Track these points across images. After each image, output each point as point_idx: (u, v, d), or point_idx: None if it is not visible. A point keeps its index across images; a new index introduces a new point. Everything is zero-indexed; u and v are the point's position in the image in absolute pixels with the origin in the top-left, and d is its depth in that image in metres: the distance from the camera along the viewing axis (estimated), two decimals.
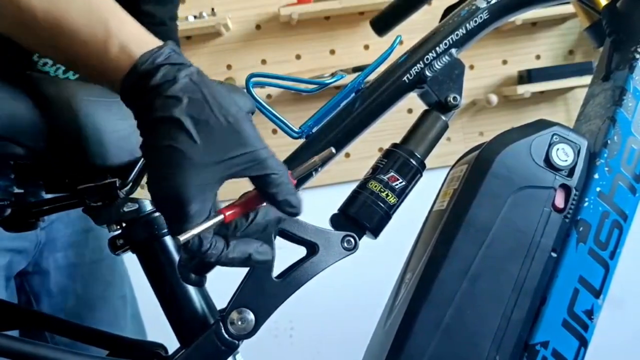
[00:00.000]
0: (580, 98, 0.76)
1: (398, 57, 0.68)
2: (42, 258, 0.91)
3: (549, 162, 0.62)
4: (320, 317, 2.10)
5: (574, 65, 2.19)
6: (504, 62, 2.23)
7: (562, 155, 0.63)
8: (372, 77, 0.67)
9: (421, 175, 0.65)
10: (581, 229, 0.63)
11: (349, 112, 0.66)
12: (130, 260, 0.70)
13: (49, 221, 0.89)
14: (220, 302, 0.66)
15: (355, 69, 2.04)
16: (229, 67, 2.12)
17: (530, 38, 2.25)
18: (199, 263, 0.54)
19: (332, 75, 2.00)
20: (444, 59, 0.66)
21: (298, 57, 2.15)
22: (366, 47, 2.16)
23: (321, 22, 2.15)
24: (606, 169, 0.64)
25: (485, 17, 0.67)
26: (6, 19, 0.50)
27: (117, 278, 1.00)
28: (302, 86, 0.68)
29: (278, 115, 0.64)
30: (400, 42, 0.65)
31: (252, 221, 0.52)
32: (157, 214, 0.67)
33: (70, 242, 0.93)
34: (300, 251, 0.62)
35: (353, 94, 0.66)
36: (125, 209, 0.66)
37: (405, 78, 0.66)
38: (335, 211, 0.64)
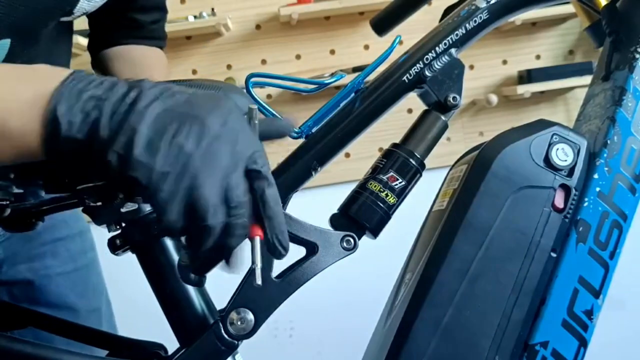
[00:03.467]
0: (580, 98, 0.76)
1: (398, 57, 0.68)
2: (1, 273, 0.89)
3: (548, 162, 0.62)
4: (320, 316, 2.10)
5: (574, 65, 2.19)
6: (504, 62, 2.23)
7: (562, 155, 0.63)
8: (372, 77, 0.67)
9: (421, 175, 0.65)
10: (581, 229, 0.63)
11: (348, 112, 0.66)
12: (131, 261, 0.70)
13: (6, 236, 0.88)
14: (220, 302, 0.66)
15: (355, 69, 2.04)
16: (229, 67, 2.12)
17: (530, 38, 2.25)
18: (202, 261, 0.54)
19: (332, 75, 2.00)
20: (443, 59, 0.66)
21: (298, 57, 2.15)
22: (366, 47, 2.16)
23: (321, 22, 2.15)
24: (606, 169, 0.64)
25: (485, 17, 0.67)
26: None
27: (91, 290, 0.98)
28: (302, 86, 0.68)
29: (278, 116, 0.64)
30: (400, 42, 0.65)
31: None
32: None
33: (34, 254, 0.92)
34: (300, 251, 0.62)
35: (353, 94, 0.66)
36: (125, 209, 0.66)
37: (405, 78, 0.66)
38: (335, 211, 0.64)
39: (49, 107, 0.45)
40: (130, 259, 0.71)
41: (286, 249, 0.51)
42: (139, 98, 0.46)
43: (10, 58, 0.68)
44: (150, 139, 0.45)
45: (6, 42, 0.67)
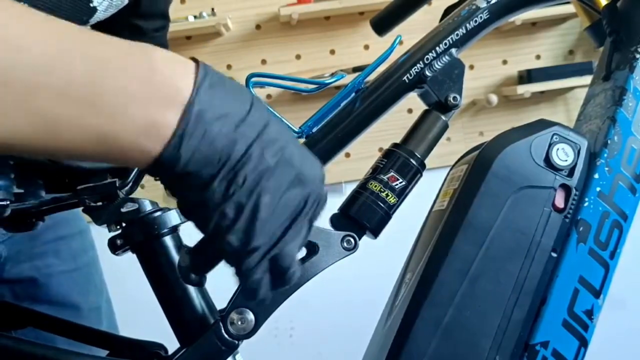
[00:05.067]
0: (580, 98, 0.76)
1: (398, 57, 0.68)
2: (5, 271, 0.90)
3: (549, 162, 0.62)
4: (320, 317, 2.10)
5: (574, 65, 2.20)
6: (504, 62, 2.23)
7: (562, 155, 0.63)
8: (372, 77, 0.67)
9: (421, 175, 0.65)
10: (581, 229, 0.63)
11: (349, 112, 0.66)
12: (131, 260, 0.70)
13: (8, 235, 0.88)
14: (220, 302, 0.66)
15: (355, 69, 2.04)
16: (229, 67, 2.12)
17: (530, 38, 2.25)
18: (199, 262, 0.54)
19: (332, 75, 2.00)
20: (444, 58, 0.66)
21: (298, 57, 2.15)
22: (366, 47, 2.16)
23: (321, 22, 2.15)
24: (606, 168, 0.64)
25: (485, 17, 0.67)
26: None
27: (92, 288, 0.99)
28: (302, 86, 0.68)
29: (278, 116, 0.64)
30: (400, 42, 0.65)
31: None
32: (156, 213, 0.67)
33: (36, 252, 0.92)
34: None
35: (353, 94, 0.66)
36: (125, 209, 0.66)
37: (405, 78, 0.66)
38: (335, 211, 0.64)
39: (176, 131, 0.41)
40: (130, 258, 0.71)
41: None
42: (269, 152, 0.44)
43: None
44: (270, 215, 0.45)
45: None
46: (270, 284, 0.48)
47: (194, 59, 0.45)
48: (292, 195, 0.46)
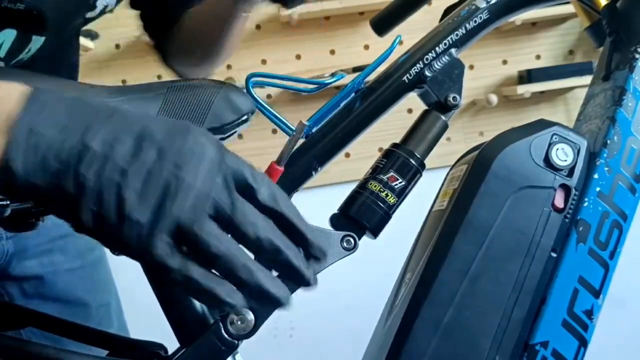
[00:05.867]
0: (580, 98, 0.76)
1: (398, 57, 0.68)
2: (11, 267, 0.90)
3: (548, 162, 0.62)
4: (320, 317, 2.10)
5: (574, 65, 2.20)
6: (504, 62, 2.23)
7: (562, 155, 0.63)
8: (372, 77, 0.67)
9: (421, 175, 0.65)
10: (581, 229, 0.63)
11: (348, 112, 0.66)
12: (131, 260, 0.70)
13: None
14: None
15: (355, 69, 2.04)
16: (228, 67, 2.12)
17: (530, 38, 2.25)
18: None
19: (332, 75, 2.00)
20: (443, 59, 0.66)
21: (298, 57, 2.15)
22: (366, 47, 2.16)
23: (321, 22, 2.15)
24: (606, 169, 0.64)
25: (485, 17, 0.67)
26: None
27: (100, 286, 0.99)
28: (302, 86, 0.68)
29: (278, 115, 0.64)
30: (400, 42, 0.65)
31: None
32: None
33: (43, 249, 0.92)
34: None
35: (353, 94, 0.66)
36: None
37: (405, 78, 0.66)
38: (335, 211, 0.64)
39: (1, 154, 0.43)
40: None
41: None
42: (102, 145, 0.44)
43: (39, 53, 0.69)
44: (122, 193, 0.43)
45: (41, 39, 0.68)
46: (184, 262, 0.45)
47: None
48: (149, 163, 0.44)
